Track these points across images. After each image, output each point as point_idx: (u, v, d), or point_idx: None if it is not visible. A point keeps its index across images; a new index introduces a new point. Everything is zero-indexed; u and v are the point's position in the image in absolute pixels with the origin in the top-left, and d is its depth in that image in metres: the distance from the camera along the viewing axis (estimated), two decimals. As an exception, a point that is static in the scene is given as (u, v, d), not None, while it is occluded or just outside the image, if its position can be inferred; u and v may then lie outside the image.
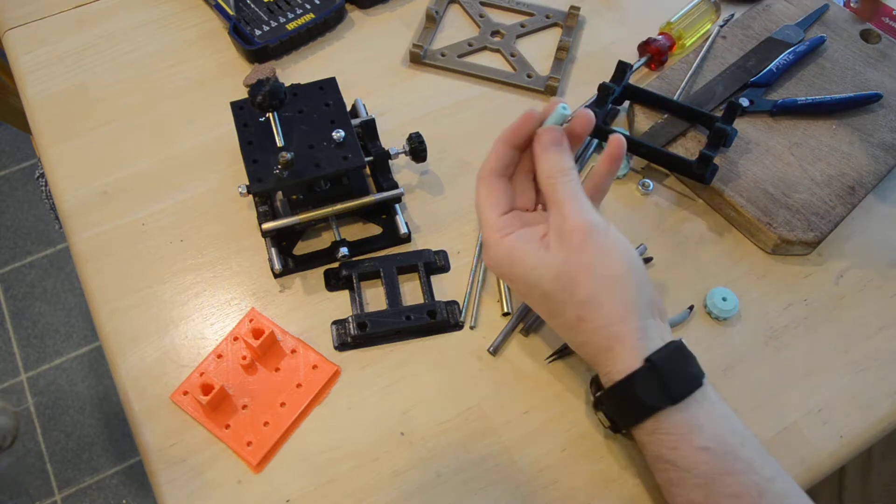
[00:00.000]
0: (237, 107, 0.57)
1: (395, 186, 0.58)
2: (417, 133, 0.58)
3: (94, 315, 0.56)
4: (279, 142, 0.54)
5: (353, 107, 0.63)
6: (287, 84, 0.57)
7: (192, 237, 0.59)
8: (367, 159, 0.57)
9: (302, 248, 0.59)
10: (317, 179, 0.54)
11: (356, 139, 0.56)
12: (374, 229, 0.60)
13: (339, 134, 0.55)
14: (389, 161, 0.59)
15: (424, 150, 0.58)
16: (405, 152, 0.59)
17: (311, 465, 0.50)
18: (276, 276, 0.57)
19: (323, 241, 0.59)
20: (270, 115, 0.54)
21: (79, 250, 0.59)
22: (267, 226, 0.55)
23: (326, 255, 0.58)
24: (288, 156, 0.52)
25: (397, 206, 0.59)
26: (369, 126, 0.59)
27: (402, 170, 0.63)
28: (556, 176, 0.46)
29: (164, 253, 0.59)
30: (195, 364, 0.53)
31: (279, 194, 0.60)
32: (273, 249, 0.57)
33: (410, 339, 0.55)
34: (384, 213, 0.60)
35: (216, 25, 0.73)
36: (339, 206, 0.57)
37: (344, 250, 0.56)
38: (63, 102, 0.67)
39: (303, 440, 0.51)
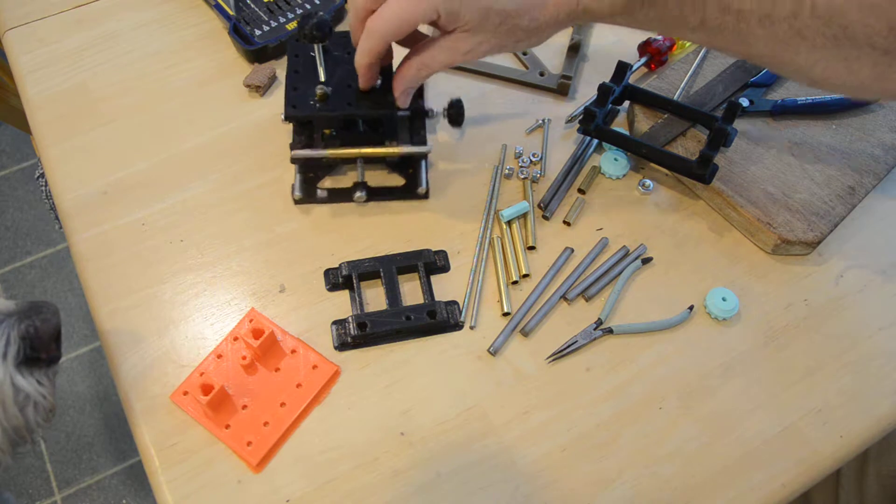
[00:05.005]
0: (294, 39, 0.59)
1: (425, 143, 0.59)
2: (458, 99, 0.60)
3: (94, 315, 0.56)
4: (321, 76, 0.56)
5: None
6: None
7: (192, 237, 0.59)
8: (401, 112, 0.57)
9: (325, 185, 0.61)
10: (349, 117, 0.56)
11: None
12: (398, 181, 0.62)
13: (378, 80, 0.56)
14: (427, 120, 0.61)
15: (462, 115, 0.60)
16: (444, 113, 0.61)
17: (311, 465, 0.50)
18: (295, 202, 0.60)
19: (347, 181, 0.62)
20: (317, 48, 0.55)
21: (79, 250, 0.59)
22: (296, 153, 0.58)
23: (346, 193, 0.60)
24: (325, 89, 0.55)
25: (423, 162, 0.61)
26: None
27: (402, 170, 0.63)
28: None
29: (164, 253, 0.59)
30: (195, 364, 0.53)
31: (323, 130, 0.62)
32: (298, 176, 0.59)
33: (410, 339, 0.55)
34: (411, 167, 0.62)
35: (216, 25, 0.73)
36: (367, 150, 0.59)
37: (362, 193, 0.58)
38: (63, 102, 0.67)
39: (303, 440, 0.51)
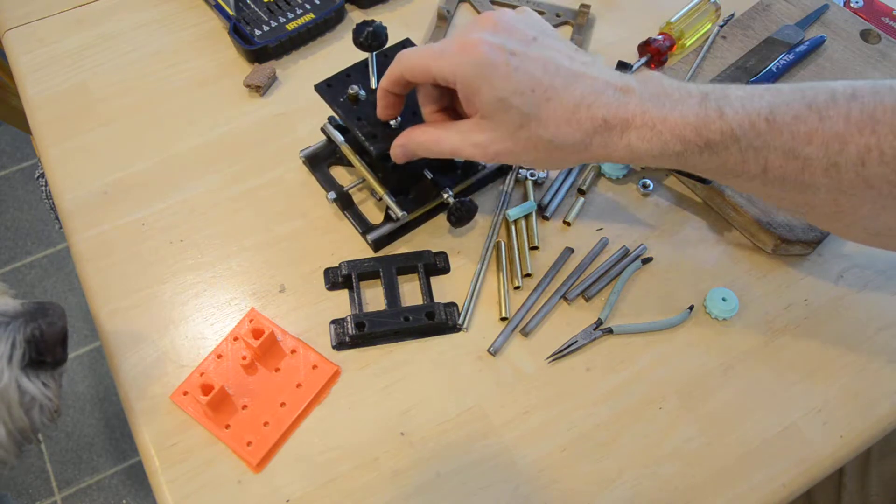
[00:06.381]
0: (324, 85, 0.57)
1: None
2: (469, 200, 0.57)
3: (94, 315, 0.56)
4: (373, 83, 0.55)
5: None
6: (285, 83, 0.57)
7: (192, 237, 0.59)
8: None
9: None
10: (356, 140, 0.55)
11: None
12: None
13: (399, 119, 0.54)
14: None
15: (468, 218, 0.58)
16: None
17: (311, 465, 0.50)
18: (397, 219, 0.57)
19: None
20: (371, 56, 0.55)
21: (79, 250, 0.59)
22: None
23: (432, 195, 0.58)
24: (359, 91, 0.54)
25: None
26: None
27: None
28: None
29: (164, 253, 0.59)
30: (195, 364, 0.53)
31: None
32: (392, 199, 0.57)
33: (409, 339, 0.54)
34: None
35: (216, 25, 0.73)
36: (429, 206, 0.59)
37: (449, 192, 0.57)
38: (63, 102, 0.67)
39: (303, 440, 0.51)
